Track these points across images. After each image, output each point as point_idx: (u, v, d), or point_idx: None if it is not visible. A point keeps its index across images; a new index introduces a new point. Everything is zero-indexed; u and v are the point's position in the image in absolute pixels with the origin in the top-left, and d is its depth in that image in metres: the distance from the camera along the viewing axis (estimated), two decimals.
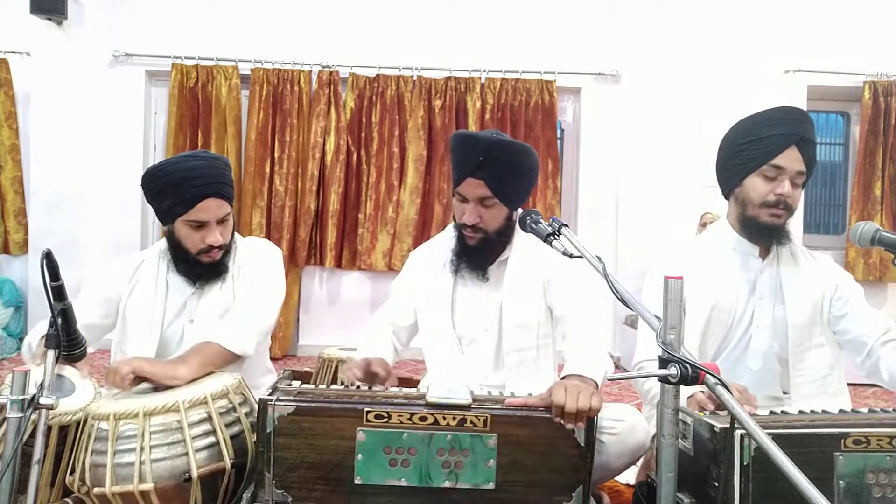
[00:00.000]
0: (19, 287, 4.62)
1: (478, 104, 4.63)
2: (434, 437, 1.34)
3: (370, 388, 1.53)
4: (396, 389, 1.49)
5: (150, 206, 1.88)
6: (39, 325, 1.73)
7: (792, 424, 1.30)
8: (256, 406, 1.37)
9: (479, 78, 4.65)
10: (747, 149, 1.70)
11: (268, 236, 4.58)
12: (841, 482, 1.24)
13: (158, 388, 1.60)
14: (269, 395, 1.38)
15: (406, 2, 4.72)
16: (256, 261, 1.94)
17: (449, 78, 4.64)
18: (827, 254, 1.90)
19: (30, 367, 1.45)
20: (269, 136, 4.62)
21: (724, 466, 1.20)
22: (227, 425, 1.48)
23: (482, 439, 1.34)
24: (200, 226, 1.79)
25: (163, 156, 4.67)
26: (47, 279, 1.29)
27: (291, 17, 4.67)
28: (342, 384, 1.57)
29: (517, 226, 1.77)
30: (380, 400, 1.39)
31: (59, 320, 1.33)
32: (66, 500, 1.51)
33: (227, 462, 1.44)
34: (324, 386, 1.46)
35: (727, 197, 1.81)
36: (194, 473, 1.38)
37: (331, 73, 4.61)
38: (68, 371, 1.62)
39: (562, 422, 1.35)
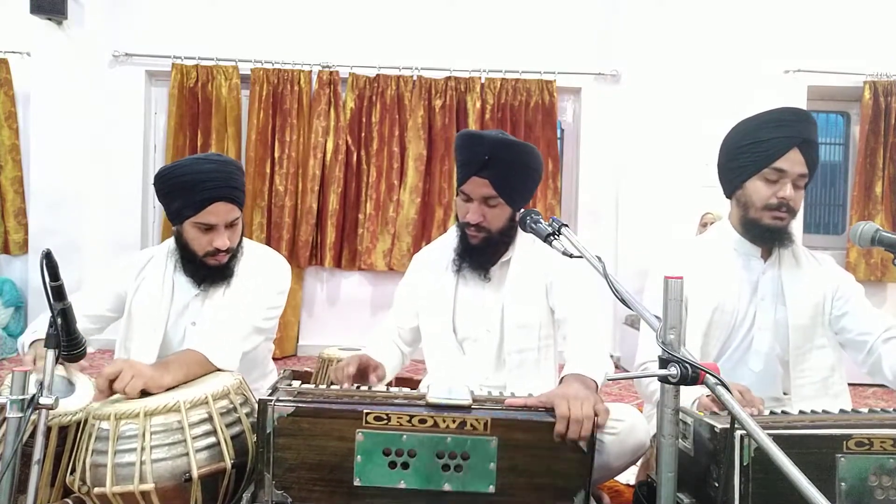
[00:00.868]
0: (19, 287, 4.62)
1: (478, 104, 4.63)
2: (434, 439, 1.33)
3: (370, 388, 1.52)
4: (396, 389, 1.48)
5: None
6: (32, 324, 1.76)
7: (793, 425, 1.30)
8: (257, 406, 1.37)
9: (479, 78, 4.65)
10: (748, 151, 1.68)
11: (268, 236, 4.59)
12: (842, 484, 1.23)
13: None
14: (269, 395, 1.38)
15: (406, 2, 4.72)
16: (259, 264, 1.93)
17: (449, 78, 4.63)
18: (828, 254, 1.89)
19: (29, 368, 1.45)
20: (270, 136, 4.62)
21: (725, 467, 1.20)
22: (228, 426, 1.48)
23: (483, 442, 1.33)
24: (209, 228, 1.78)
25: (163, 156, 4.68)
26: (47, 279, 1.29)
27: (291, 17, 4.67)
28: (331, 384, 1.56)
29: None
30: (379, 401, 1.38)
31: (59, 320, 1.32)
32: (67, 500, 1.51)
33: (228, 462, 1.43)
34: (323, 386, 1.45)
35: (729, 197, 1.80)
36: (195, 474, 1.38)
37: (331, 73, 4.61)
38: (68, 371, 1.62)
39: (562, 440, 1.33)
